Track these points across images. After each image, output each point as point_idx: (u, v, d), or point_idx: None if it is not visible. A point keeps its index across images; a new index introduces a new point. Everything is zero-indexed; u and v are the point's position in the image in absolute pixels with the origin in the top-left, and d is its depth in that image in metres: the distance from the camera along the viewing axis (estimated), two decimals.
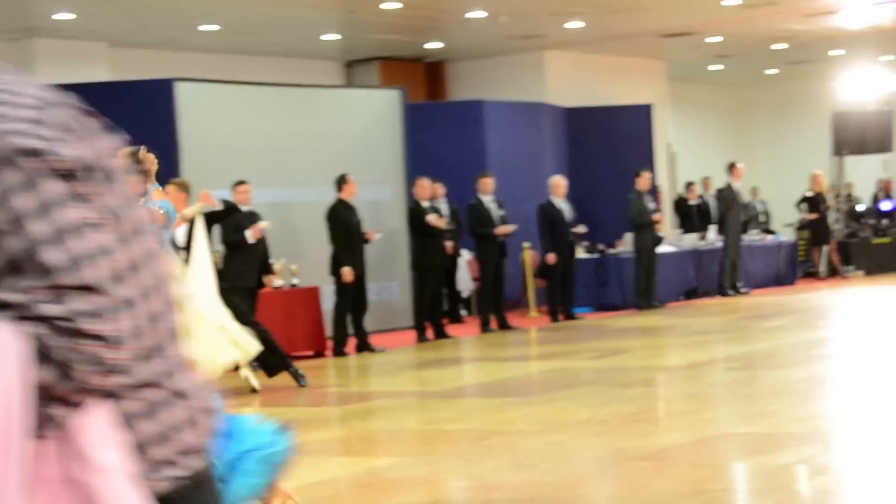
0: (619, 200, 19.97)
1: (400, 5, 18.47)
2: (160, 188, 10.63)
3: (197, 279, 11.59)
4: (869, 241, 25.38)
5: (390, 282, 17.35)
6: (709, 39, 24.19)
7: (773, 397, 9.96)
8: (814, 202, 24.45)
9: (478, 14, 19.56)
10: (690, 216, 23.99)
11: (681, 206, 24.91)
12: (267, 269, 14.18)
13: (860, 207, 26.54)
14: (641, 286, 19.67)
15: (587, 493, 7.19)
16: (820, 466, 7.30)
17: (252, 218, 13.85)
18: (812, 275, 24.50)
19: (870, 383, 10.74)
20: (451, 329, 17.12)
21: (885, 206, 27.00)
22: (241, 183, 14.07)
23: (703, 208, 23.70)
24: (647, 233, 19.57)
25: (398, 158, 17.54)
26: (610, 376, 12.04)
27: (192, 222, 11.71)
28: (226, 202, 12.72)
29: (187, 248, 11.78)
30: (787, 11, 21.13)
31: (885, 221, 26.29)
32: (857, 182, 27.08)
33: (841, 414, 9.38)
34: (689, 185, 24.98)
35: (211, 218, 12.23)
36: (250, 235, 13.68)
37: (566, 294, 18.51)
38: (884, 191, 27.57)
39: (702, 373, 11.92)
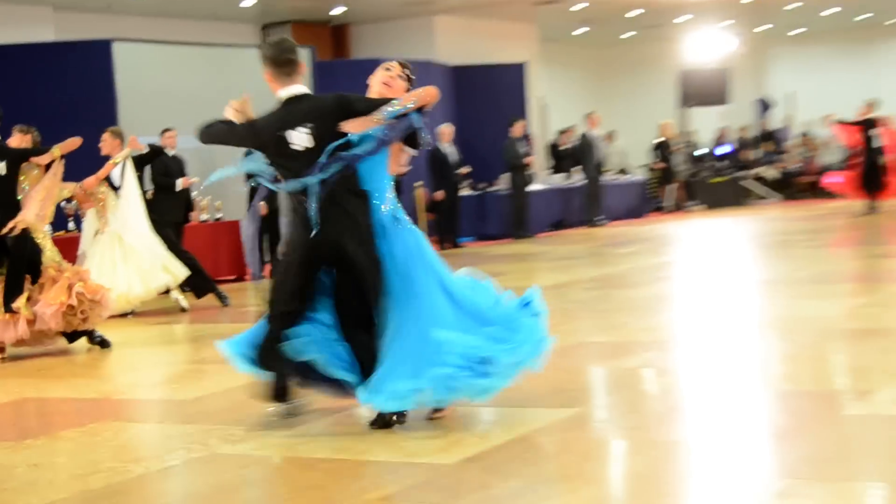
0: (498, 146, 20.03)
1: None
2: None
3: (129, 213, 11.47)
4: (708, 179, 25.74)
5: None
6: (574, 8, 24.23)
7: (624, 312, 10.07)
8: (663, 147, 24.76)
9: None
10: (562, 159, 24.16)
11: (554, 150, 25.08)
12: (190, 207, 14.11)
13: (701, 151, 26.89)
14: (516, 219, 19.80)
15: None
16: (662, 369, 7.41)
17: (177, 162, 13.68)
18: (660, 209, 24.83)
19: (704, 300, 10.90)
20: None
21: (722, 150, 27.43)
22: (167, 129, 13.89)
23: (573, 152, 23.86)
24: (520, 173, 19.68)
25: None
26: None
27: (124, 164, 11.58)
28: (151, 146, 12.52)
29: (122, 186, 11.67)
30: None
31: (721, 163, 26.71)
32: (700, 130, 27.45)
33: (679, 325, 9.51)
34: (561, 132, 25.13)
35: (140, 160, 12.07)
36: (180, 184, 13.53)
37: (452, 226, 18.60)
38: (721, 137, 27.99)
39: (565, 292, 11.98)
